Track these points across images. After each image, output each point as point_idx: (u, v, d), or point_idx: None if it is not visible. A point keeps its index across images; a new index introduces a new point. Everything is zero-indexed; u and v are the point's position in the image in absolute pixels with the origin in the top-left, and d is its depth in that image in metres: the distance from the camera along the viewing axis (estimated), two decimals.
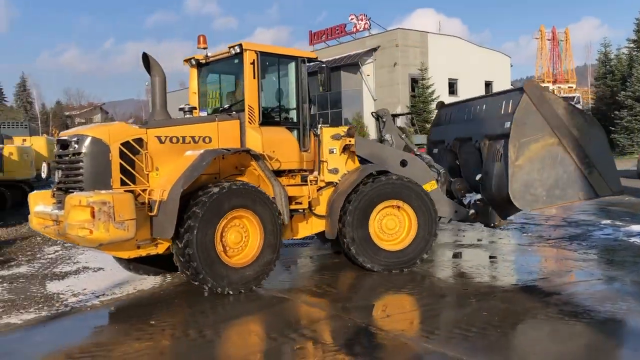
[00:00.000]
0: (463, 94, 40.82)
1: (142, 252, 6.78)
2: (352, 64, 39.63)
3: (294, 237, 8.24)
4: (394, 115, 10.10)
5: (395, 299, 6.85)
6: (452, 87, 41.28)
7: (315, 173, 8.14)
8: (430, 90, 38.25)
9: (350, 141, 8.24)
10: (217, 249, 6.68)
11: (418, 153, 9.12)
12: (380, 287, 7.28)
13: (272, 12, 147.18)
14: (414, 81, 39.16)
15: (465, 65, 40.66)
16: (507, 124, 7.83)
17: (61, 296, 7.04)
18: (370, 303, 6.60)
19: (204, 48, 8.03)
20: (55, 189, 7.13)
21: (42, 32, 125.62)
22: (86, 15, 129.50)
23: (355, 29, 41.24)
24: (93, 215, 5.96)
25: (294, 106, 8.04)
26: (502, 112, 8.33)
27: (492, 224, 8.99)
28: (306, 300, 6.78)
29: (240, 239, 7.00)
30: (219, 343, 5.46)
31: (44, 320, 6.16)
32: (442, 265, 8.67)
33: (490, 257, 9.13)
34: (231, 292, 6.75)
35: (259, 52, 7.56)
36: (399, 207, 8.06)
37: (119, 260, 7.74)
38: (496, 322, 5.54)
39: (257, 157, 7.24)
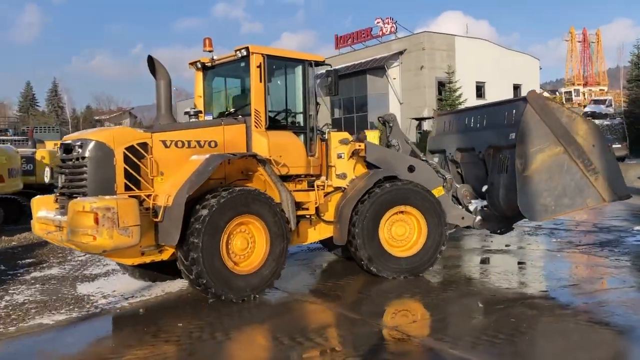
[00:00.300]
0: (491, 97, 40.41)
1: (147, 259, 6.69)
2: (378, 68, 39.54)
3: (302, 243, 8.17)
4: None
5: (421, 305, 6.78)
6: (480, 91, 40.87)
7: (323, 178, 8.04)
8: (457, 94, 37.93)
9: (360, 146, 8.17)
10: (222, 255, 6.59)
11: (424, 159, 9.03)
12: (406, 293, 7.24)
13: (298, 17, 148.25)
14: (440, 84, 38.87)
15: (493, 69, 40.20)
16: (512, 135, 7.83)
17: (91, 298, 7.18)
18: (396, 308, 6.58)
19: (210, 51, 7.95)
20: (58, 194, 7.06)
21: (73, 38, 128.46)
22: (116, 21, 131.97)
23: (381, 32, 41.15)
24: (97, 221, 5.86)
25: (301, 110, 7.92)
26: (506, 122, 8.30)
27: (499, 231, 8.95)
28: (331, 305, 6.77)
29: (246, 245, 6.90)
30: (245, 345, 5.50)
31: (75, 321, 6.30)
32: (470, 271, 8.59)
33: (519, 263, 9.01)
34: (234, 300, 6.63)
35: (266, 55, 7.44)
36: (408, 212, 7.97)
37: (124, 267, 7.72)
38: (524, 329, 5.47)
39: (264, 162, 7.11)
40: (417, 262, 7.90)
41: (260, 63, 7.36)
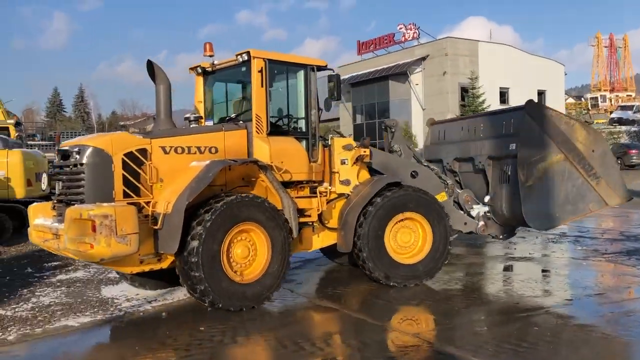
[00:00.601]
0: (514, 103, 40.02)
1: (146, 268, 6.57)
2: (401, 73, 39.45)
3: (306, 250, 8.05)
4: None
5: (442, 312, 6.71)
6: (503, 96, 40.49)
7: (326, 184, 7.91)
8: (480, 100, 37.66)
9: (365, 152, 8.07)
10: (222, 263, 6.45)
11: (426, 164, 8.97)
12: (427, 300, 7.22)
13: (321, 23, 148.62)
14: (463, 90, 38.63)
15: (516, 74, 39.81)
16: (513, 146, 7.87)
17: (115, 301, 7.27)
18: (416, 315, 6.54)
19: (211, 56, 7.83)
20: (55, 201, 6.93)
21: (100, 45, 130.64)
22: (142, 27, 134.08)
23: (403, 38, 41.08)
24: (94, 229, 5.73)
25: (303, 115, 7.80)
26: (504, 132, 8.30)
27: (501, 237, 8.91)
28: (352, 311, 6.75)
29: (247, 253, 6.76)
30: (267, 349, 5.51)
31: (99, 323, 6.40)
32: (492, 278, 8.50)
33: (543, 270, 8.88)
34: (232, 309, 6.48)
35: (267, 59, 7.33)
36: (413, 219, 7.88)
37: (124, 275, 7.64)
38: (548, 338, 5.38)
39: (265, 168, 6.98)
40: (421, 269, 7.80)
41: (262, 68, 7.25)
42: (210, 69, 8.10)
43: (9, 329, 6.16)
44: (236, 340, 5.68)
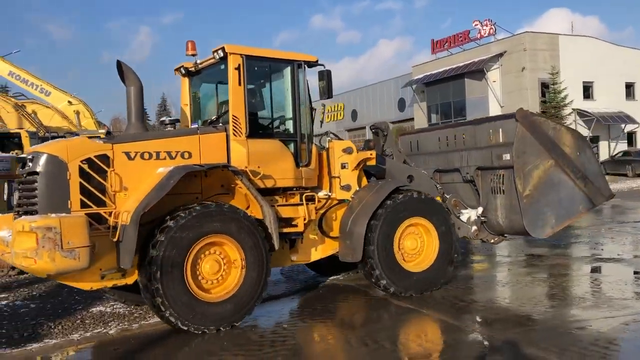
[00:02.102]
0: (600, 97, 38.17)
1: (108, 283, 6.05)
2: (477, 71, 38.50)
3: (302, 262, 7.55)
4: None
5: (526, 313, 6.58)
6: (587, 91, 38.63)
7: (325, 191, 7.40)
8: (562, 95, 36.19)
9: (371, 155, 7.53)
10: (186, 280, 5.87)
11: (416, 168, 8.57)
12: (515, 302, 7.11)
13: (395, 23, 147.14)
14: (544, 86, 37.18)
15: (602, 67, 37.83)
16: (507, 156, 7.77)
17: None
18: (495, 316, 6.44)
19: (193, 55, 7.26)
20: (15, 213, 6.43)
21: (180, 55, 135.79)
22: (220, 38, 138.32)
23: (479, 35, 40.05)
24: (37, 243, 5.26)
25: (290, 116, 7.14)
26: (493, 142, 8.12)
27: (492, 241, 8.65)
28: (435, 313, 6.67)
29: (218, 268, 6.14)
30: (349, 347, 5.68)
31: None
32: (578, 279, 8.24)
33: (635, 272, 8.49)
34: (199, 331, 5.93)
35: (245, 55, 6.71)
36: (419, 224, 7.47)
37: (109, 292, 7.12)
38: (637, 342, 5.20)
39: (239, 174, 6.34)
40: (430, 276, 7.47)
41: (239, 64, 6.65)
42: (193, 69, 7.59)
43: (109, 324, 6.64)
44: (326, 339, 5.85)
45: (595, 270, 8.84)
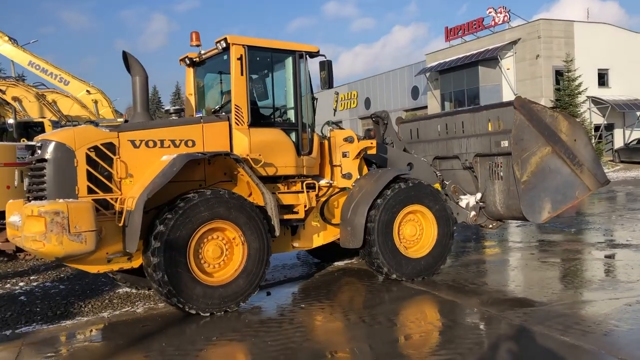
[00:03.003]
0: (615, 84, 37.90)
1: (114, 267, 6.27)
2: (491, 59, 38.35)
3: (304, 249, 7.72)
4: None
5: (537, 294, 6.89)
6: (602, 78, 38.36)
7: (326, 179, 7.58)
8: (576, 83, 36.01)
9: (372, 143, 7.70)
10: (189, 263, 6.11)
11: (416, 156, 8.79)
12: (525, 283, 7.35)
13: (410, 10, 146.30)
14: (558, 74, 36.96)
15: (617, 54, 37.50)
16: (505, 143, 7.99)
17: None
18: (509, 298, 6.68)
19: (197, 45, 7.41)
20: (25, 199, 6.69)
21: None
22: (234, 26, 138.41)
23: (493, 22, 39.89)
24: (46, 227, 5.50)
25: (292, 105, 7.29)
26: (492, 129, 8.34)
27: (490, 226, 8.94)
28: (445, 295, 6.87)
29: (219, 253, 6.36)
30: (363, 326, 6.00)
31: None
32: (589, 264, 8.46)
33: None
34: (201, 313, 6.16)
35: (247, 46, 6.87)
36: (418, 212, 7.65)
37: (120, 277, 7.41)
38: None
39: (240, 162, 6.52)
40: (429, 262, 7.67)
41: (242, 55, 6.81)
42: (198, 60, 7.75)
43: (136, 304, 7.02)
44: (348, 317, 6.19)
45: (604, 255, 9.04)
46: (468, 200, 8.67)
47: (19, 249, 10.48)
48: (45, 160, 6.06)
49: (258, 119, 7.07)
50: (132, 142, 6.32)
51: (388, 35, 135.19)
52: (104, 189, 6.13)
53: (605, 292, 6.63)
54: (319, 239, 7.62)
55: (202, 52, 7.58)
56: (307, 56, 7.34)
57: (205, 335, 5.70)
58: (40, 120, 15.25)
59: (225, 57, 7.10)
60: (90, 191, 6.04)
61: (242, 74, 6.83)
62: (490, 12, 39.56)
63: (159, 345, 5.41)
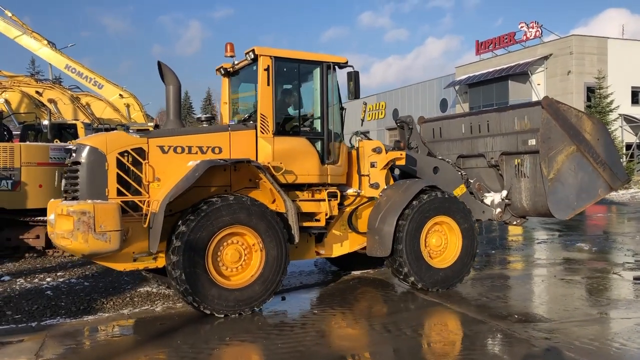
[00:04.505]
0: None
1: (140, 265, 6.54)
2: (521, 73, 38.11)
3: (328, 256, 7.83)
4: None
5: (562, 308, 6.87)
6: (636, 97, 37.77)
7: (354, 189, 7.75)
8: (608, 100, 35.51)
9: (401, 155, 7.92)
10: (208, 268, 6.34)
11: (441, 158, 9.16)
12: (539, 299, 7.44)
13: (444, 22, 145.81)
14: (589, 90, 36.55)
15: None
16: (532, 141, 8.23)
17: None
18: (524, 311, 6.71)
19: (231, 56, 7.65)
20: (62, 198, 7.00)
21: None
22: (268, 34, 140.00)
23: (525, 37, 39.66)
24: (73, 225, 5.83)
25: (318, 115, 7.45)
26: (519, 128, 8.56)
27: (514, 222, 9.14)
28: (459, 308, 6.99)
29: (238, 257, 6.57)
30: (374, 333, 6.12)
31: None
32: (604, 283, 8.42)
33: None
34: (215, 313, 6.38)
35: (274, 57, 7.08)
36: (444, 223, 7.86)
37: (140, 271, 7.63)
38: None
39: (262, 169, 6.72)
40: (453, 272, 7.80)
41: (268, 66, 7.03)
42: (231, 70, 7.99)
43: (155, 302, 7.26)
44: (342, 323, 6.33)
45: (622, 275, 8.97)
46: (493, 197, 8.89)
47: (48, 246, 10.89)
48: (79, 162, 6.38)
49: (283, 128, 7.27)
50: (161, 147, 6.59)
51: (421, 46, 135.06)
52: (132, 191, 6.41)
53: (617, 311, 6.65)
54: (345, 247, 7.80)
55: (236, 62, 7.81)
56: (336, 67, 7.53)
57: (219, 335, 5.91)
58: (74, 122, 15.73)
59: (254, 67, 7.32)
60: (120, 193, 6.33)
61: (268, 84, 7.04)
62: (522, 27, 39.32)
63: (175, 343, 5.62)
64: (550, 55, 37.45)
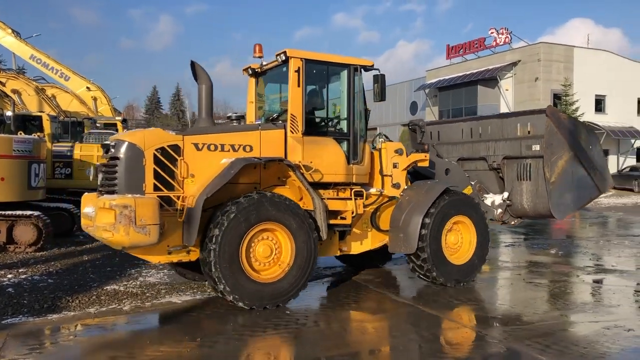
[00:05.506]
0: (611, 111, 38.32)
1: (174, 258, 6.76)
2: (490, 79, 38.76)
3: (350, 253, 8.06)
4: None
5: (520, 313, 7.01)
6: (599, 104, 38.80)
7: (377, 188, 8.02)
8: (574, 107, 36.35)
9: (425, 157, 8.34)
10: (241, 260, 6.55)
11: (451, 161, 9.61)
12: (509, 302, 7.48)
13: (416, 26, 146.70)
14: (556, 97, 37.38)
15: (615, 81, 38.02)
16: (536, 147, 8.82)
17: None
18: (494, 314, 6.76)
19: (260, 57, 7.88)
20: (98, 192, 7.18)
21: (199, 46, 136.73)
22: (240, 30, 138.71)
23: (495, 42, 40.33)
24: (115, 218, 6.01)
25: (345, 116, 7.72)
26: (521, 134, 9.14)
27: (512, 222, 9.64)
28: (431, 310, 7.06)
29: (269, 252, 6.80)
30: (345, 334, 6.04)
31: (199, 302, 7.14)
32: (578, 286, 8.56)
33: (628, 285, 8.75)
34: (252, 307, 6.60)
35: (305, 59, 7.32)
36: (461, 222, 8.26)
37: (172, 267, 8.07)
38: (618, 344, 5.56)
39: (293, 168, 6.96)
40: (469, 268, 8.24)
41: (299, 67, 7.26)
42: (259, 70, 8.22)
43: (123, 301, 7.10)
44: (318, 323, 6.27)
45: (588, 279, 9.14)
46: (493, 198, 9.39)
47: (9, 241, 10.54)
48: (117, 158, 6.53)
49: (312, 128, 7.50)
50: (195, 145, 6.78)
51: (392, 49, 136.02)
52: (168, 186, 6.57)
53: (585, 315, 6.75)
54: (365, 245, 8.11)
55: (264, 63, 8.02)
56: (362, 69, 7.78)
57: (191, 335, 5.81)
58: (39, 114, 15.31)
59: (284, 69, 7.54)
60: (156, 188, 6.49)
61: (298, 85, 7.27)
62: (492, 33, 39.93)
63: (144, 343, 5.54)
64: (519, 61, 38.18)
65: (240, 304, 6.55)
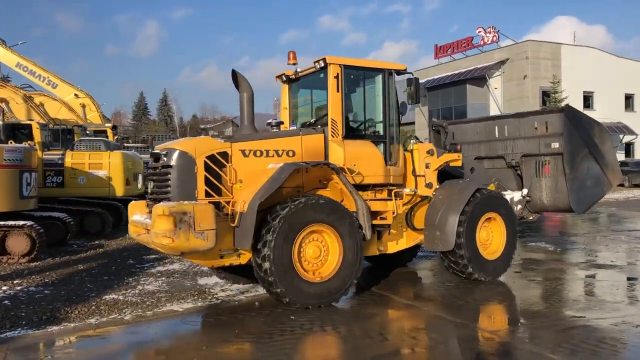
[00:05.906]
0: (600, 107, 38.63)
1: (225, 262, 6.96)
2: (479, 77, 38.97)
3: (387, 252, 8.27)
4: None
5: (523, 312, 6.97)
6: (588, 101, 39.18)
7: (410, 188, 8.22)
8: (563, 104, 36.59)
9: (458, 157, 8.62)
10: (294, 262, 6.74)
11: (475, 160, 9.98)
12: (514, 301, 7.46)
13: (402, 27, 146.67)
14: (545, 94, 37.68)
15: (602, 78, 38.45)
16: (555, 144, 9.18)
17: (212, 290, 7.98)
18: (495, 315, 6.73)
19: (294, 64, 8.09)
20: (148, 200, 7.44)
21: (186, 51, 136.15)
22: (227, 35, 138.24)
23: (482, 41, 40.55)
24: (175, 225, 6.17)
25: (381, 119, 7.98)
26: (539, 132, 9.50)
27: (531, 217, 10.01)
28: (435, 310, 7.07)
29: (318, 253, 7.01)
30: (350, 338, 5.95)
31: (201, 309, 7.08)
32: (574, 283, 8.55)
33: (628, 278, 8.78)
34: (309, 307, 6.78)
35: (343, 65, 7.56)
36: (493, 219, 8.50)
37: (214, 270, 8.21)
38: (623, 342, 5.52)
39: (337, 171, 7.18)
40: (501, 263, 8.47)
41: (338, 73, 7.48)
42: (293, 77, 8.45)
43: (124, 311, 6.98)
44: (325, 329, 6.16)
45: (589, 275, 9.14)
46: (512, 195, 9.67)
47: (1, 252, 10.34)
48: (170, 166, 6.73)
49: (351, 132, 7.76)
50: (243, 151, 7.00)
51: (379, 50, 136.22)
52: (217, 192, 6.78)
53: (592, 312, 6.69)
54: (401, 243, 8.38)
55: (299, 70, 8.26)
56: (395, 73, 8.06)
57: (208, 340, 5.81)
58: (28, 122, 15.10)
59: (322, 75, 7.78)
60: (207, 194, 6.71)
61: (338, 91, 7.50)
62: (479, 32, 40.15)
63: (153, 353, 5.39)
64: (507, 60, 38.46)
65: (297, 305, 6.73)
